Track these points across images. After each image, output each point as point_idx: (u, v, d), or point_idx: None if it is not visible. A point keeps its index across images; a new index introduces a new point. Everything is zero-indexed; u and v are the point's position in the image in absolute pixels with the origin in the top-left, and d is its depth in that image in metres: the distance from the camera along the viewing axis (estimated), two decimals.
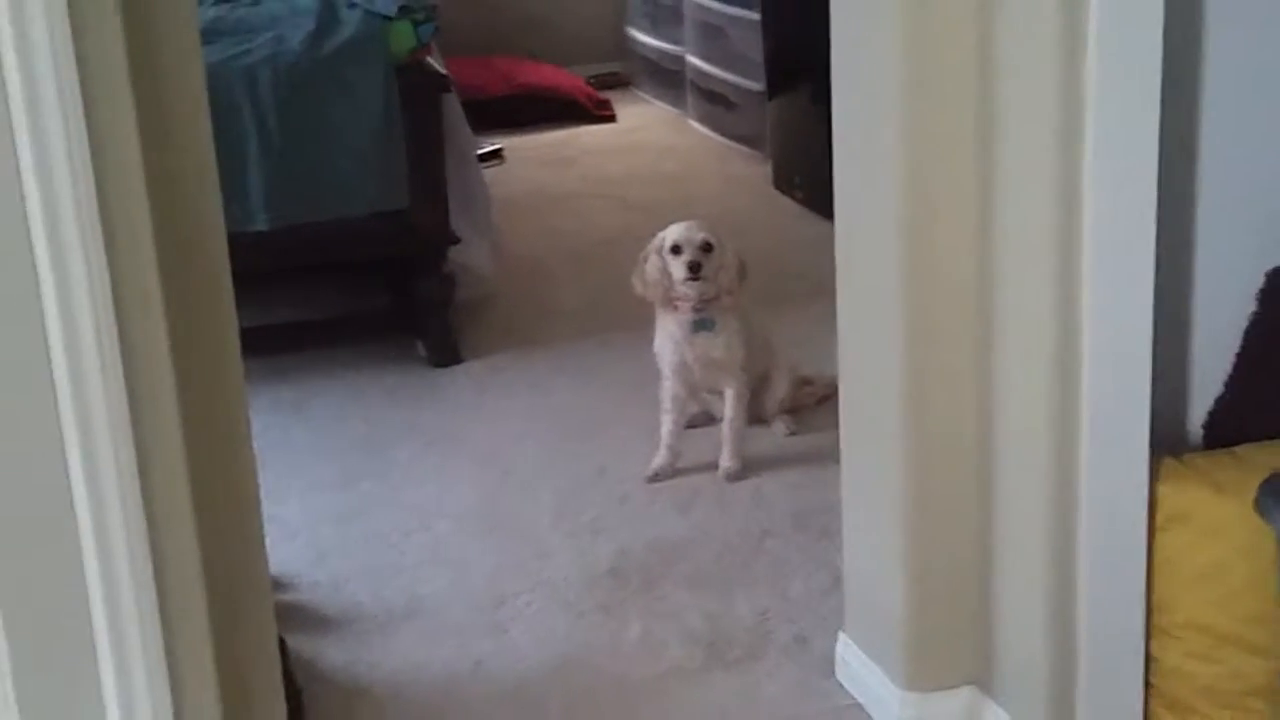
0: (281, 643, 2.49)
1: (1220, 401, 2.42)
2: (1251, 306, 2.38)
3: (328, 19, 4.42)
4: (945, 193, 2.40)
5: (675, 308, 3.68)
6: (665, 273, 3.63)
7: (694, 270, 3.59)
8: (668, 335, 3.73)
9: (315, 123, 4.19)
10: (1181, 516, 2.33)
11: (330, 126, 4.20)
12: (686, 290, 3.63)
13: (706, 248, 3.62)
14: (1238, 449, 2.38)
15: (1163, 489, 2.33)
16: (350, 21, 4.36)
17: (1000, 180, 2.33)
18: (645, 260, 3.67)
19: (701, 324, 3.68)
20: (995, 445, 2.45)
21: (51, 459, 1.74)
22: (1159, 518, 2.34)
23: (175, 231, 1.87)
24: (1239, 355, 2.40)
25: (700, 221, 3.71)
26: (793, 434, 3.92)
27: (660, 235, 3.67)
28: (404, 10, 4.35)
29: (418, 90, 4.33)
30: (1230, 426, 2.43)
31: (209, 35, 4.25)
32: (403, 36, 4.34)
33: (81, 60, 1.67)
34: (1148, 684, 2.41)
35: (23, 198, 1.67)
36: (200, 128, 1.94)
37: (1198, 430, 2.44)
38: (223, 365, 2.04)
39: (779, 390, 3.94)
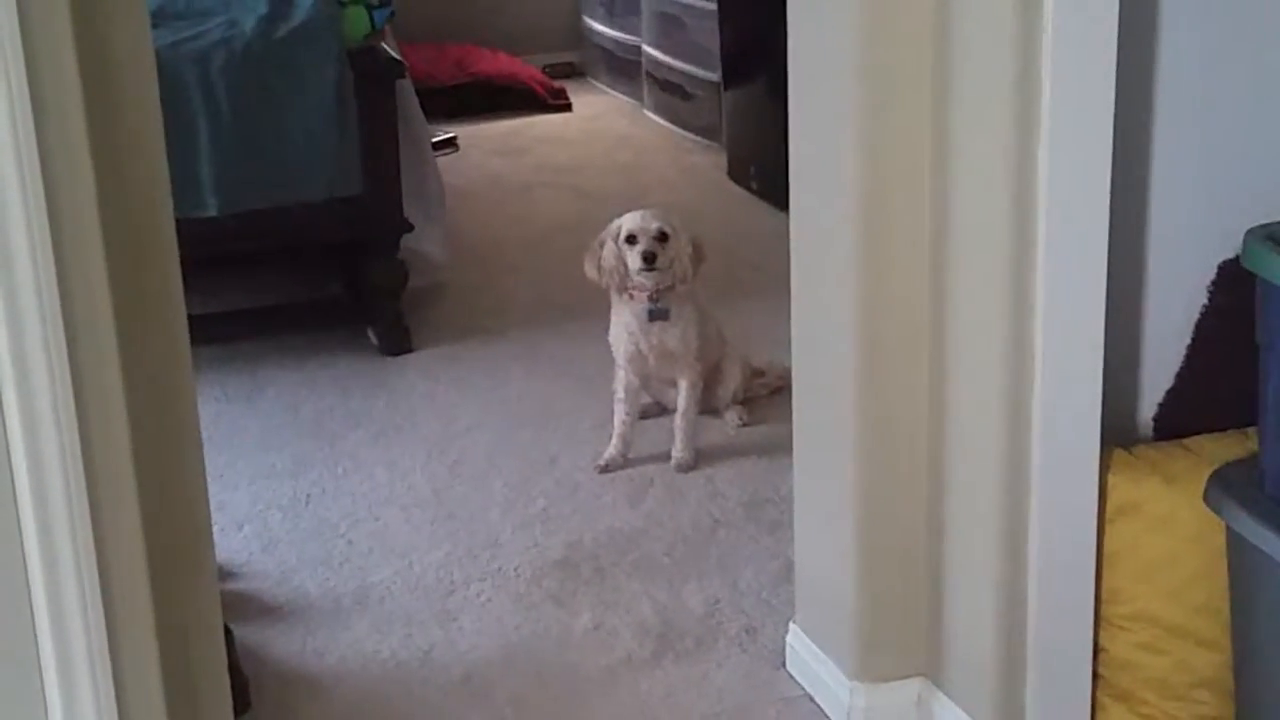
0: (228, 632, 2.47)
1: (1171, 393, 2.43)
2: (1203, 298, 2.39)
3: (281, 3, 4.37)
4: (899, 185, 2.40)
5: (631, 296, 3.67)
6: (621, 261, 3.62)
7: (649, 260, 3.58)
8: (622, 325, 3.72)
9: (267, 108, 4.16)
10: (1132, 508, 2.34)
11: (283, 111, 4.17)
12: (642, 280, 3.62)
13: (662, 237, 3.61)
14: (1188, 440, 2.39)
15: (1113, 480, 2.34)
16: (303, 6, 4.32)
17: (955, 172, 2.33)
18: (600, 246, 3.66)
19: (657, 313, 3.67)
20: (947, 437, 2.45)
21: None
22: (1109, 509, 2.35)
23: (123, 217, 1.85)
24: (1190, 347, 2.41)
25: (656, 210, 3.70)
26: (744, 425, 3.91)
27: (616, 222, 3.66)
28: None
29: (372, 76, 4.30)
30: (1181, 418, 2.44)
31: (159, 19, 4.22)
32: (357, 21, 4.31)
33: (28, 42, 1.65)
34: (1096, 675, 2.42)
35: None
36: (150, 112, 1.91)
37: (1148, 422, 2.45)
38: (171, 352, 2.01)
39: (731, 381, 3.93)
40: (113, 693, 1.83)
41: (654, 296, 3.65)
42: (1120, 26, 2.14)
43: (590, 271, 3.67)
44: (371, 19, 4.35)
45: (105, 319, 1.79)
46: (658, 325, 3.68)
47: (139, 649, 1.87)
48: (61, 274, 1.72)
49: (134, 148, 1.90)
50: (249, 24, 4.26)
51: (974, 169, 2.30)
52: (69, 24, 1.69)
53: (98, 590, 1.80)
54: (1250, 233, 2.19)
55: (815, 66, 2.51)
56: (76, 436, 1.75)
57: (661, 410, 3.92)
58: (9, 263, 1.67)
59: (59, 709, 1.80)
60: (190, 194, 4.02)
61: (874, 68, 2.36)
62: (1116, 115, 2.18)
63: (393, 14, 4.45)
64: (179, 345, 2.03)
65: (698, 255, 3.68)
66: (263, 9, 4.33)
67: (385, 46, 4.48)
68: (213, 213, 4.12)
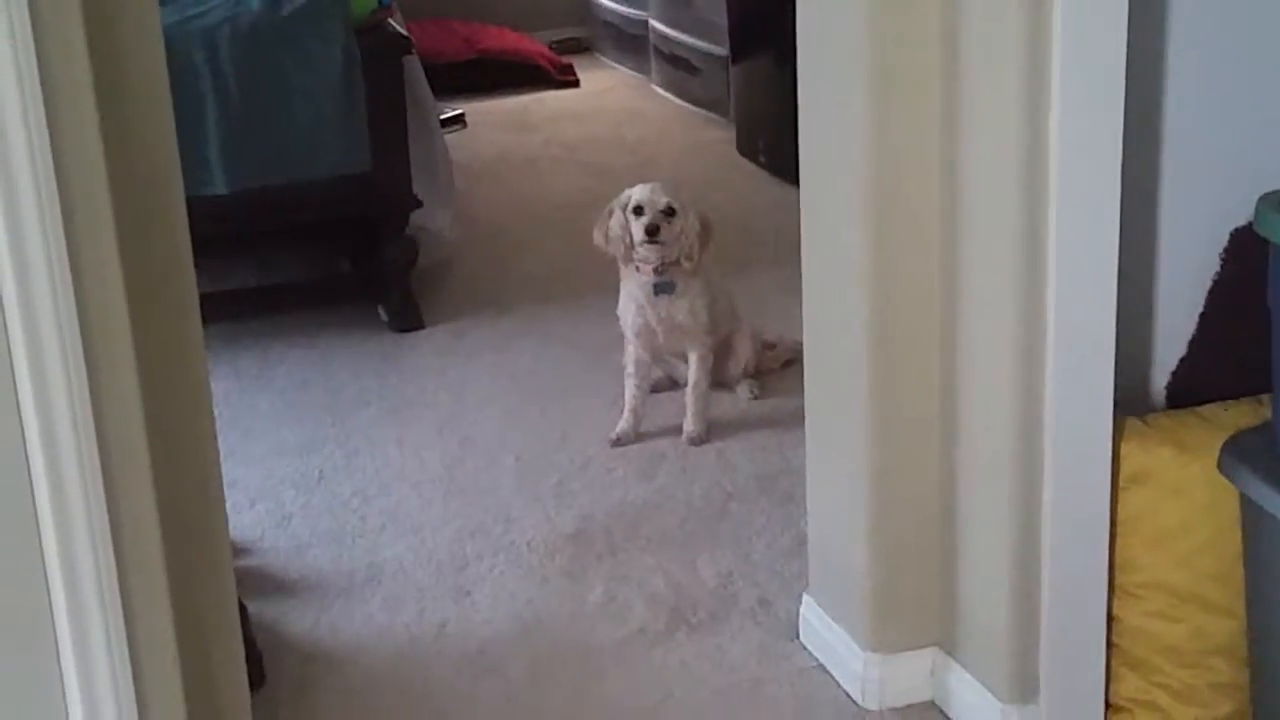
0: (242, 607, 2.47)
1: (1184, 362, 2.43)
2: (1216, 266, 2.38)
3: None
4: (911, 157, 2.39)
5: (636, 268, 3.67)
6: (627, 231, 3.62)
7: (652, 234, 3.58)
8: (630, 298, 3.72)
9: (275, 85, 4.15)
10: (1145, 476, 2.34)
11: (290, 88, 4.16)
12: (646, 253, 3.62)
13: (669, 212, 3.60)
14: (1201, 409, 2.39)
15: (1126, 449, 2.34)
16: None
17: (965, 142, 2.32)
18: (609, 215, 3.66)
19: (662, 287, 3.67)
20: (960, 408, 2.45)
21: (9, 426, 1.71)
22: (1122, 477, 2.35)
23: (133, 196, 1.85)
24: (1203, 315, 2.41)
25: (665, 184, 3.70)
26: (756, 398, 3.91)
27: (627, 192, 3.66)
28: None
29: (379, 52, 4.29)
30: (1194, 387, 2.43)
31: None
32: None
33: (37, 21, 1.65)
34: (1110, 643, 2.42)
35: None
36: (158, 90, 1.91)
37: (1161, 391, 2.44)
38: (182, 331, 2.01)
39: (743, 354, 3.93)
40: (129, 668, 1.84)
41: (659, 270, 3.65)
42: None
43: (598, 238, 3.68)
44: None
45: (117, 298, 1.78)
46: (665, 299, 3.68)
47: (155, 625, 1.88)
48: (73, 254, 1.72)
49: (143, 126, 1.89)
50: (255, 1, 4.25)
51: (985, 139, 2.29)
52: (78, 2, 1.69)
53: (113, 567, 1.80)
54: (1263, 199, 2.18)
55: (824, 39, 2.50)
56: (91, 416, 1.76)
57: (673, 384, 3.92)
58: (21, 247, 1.67)
59: (75, 686, 1.81)
60: (198, 172, 4.01)
61: (882, 41, 2.35)
62: (1128, 83, 2.17)
63: None
64: (191, 323, 2.03)
65: (706, 232, 3.67)
66: None
67: (392, 23, 4.47)
68: (221, 190, 4.11)
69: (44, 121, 1.67)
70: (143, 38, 1.88)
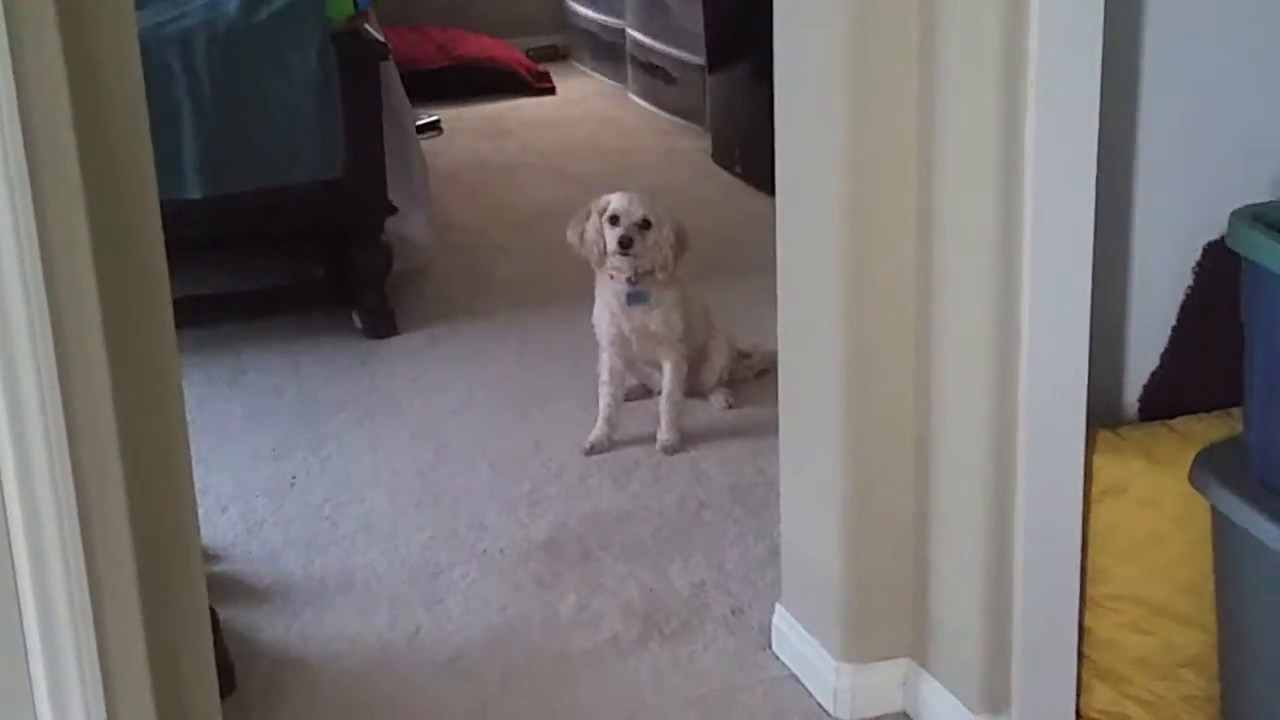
0: (213, 614, 2.46)
1: (1156, 374, 2.44)
2: (1188, 279, 2.39)
3: None
4: (886, 169, 2.40)
5: (610, 275, 3.67)
6: (601, 235, 3.62)
7: (626, 246, 3.58)
8: (605, 306, 3.72)
9: (250, 89, 4.14)
10: (1117, 488, 2.34)
11: (266, 93, 4.15)
12: (619, 263, 3.62)
13: (644, 224, 3.60)
14: (1173, 421, 2.40)
15: (1098, 461, 2.35)
16: None
17: (942, 155, 2.33)
18: (586, 217, 3.65)
19: (636, 297, 3.67)
20: (933, 420, 2.45)
21: None
22: (1095, 490, 2.35)
23: (109, 199, 1.84)
24: (1175, 328, 2.42)
25: (643, 195, 3.69)
26: (730, 407, 3.91)
27: (606, 198, 3.66)
28: None
29: (355, 58, 4.28)
30: (1166, 399, 2.44)
31: (141, 0, 4.19)
32: (341, 3, 4.29)
33: (11, 23, 1.64)
34: (1081, 655, 2.43)
35: None
36: (134, 93, 1.90)
37: (1133, 403, 2.45)
38: (156, 335, 2.00)
39: (717, 363, 3.93)
40: (99, 674, 1.83)
41: (633, 280, 3.65)
42: (1106, 7, 2.14)
43: (572, 237, 3.67)
44: (355, 1, 4.33)
45: (90, 301, 1.78)
46: (639, 308, 3.68)
47: (125, 631, 1.87)
48: (46, 255, 1.71)
49: (118, 130, 1.88)
50: (232, 6, 4.23)
51: (960, 153, 2.29)
52: (53, 5, 1.68)
53: (84, 572, 1.79)
54: (1235, 213, 2.19)
55: (801, 49, 2.51)
56: (62, 420, 1.75)
57: (647, 393, 3.92)
58: None
59: (45, 693, 1.80)
60: (172, 176, 3.99)
61: (860, 52, 2.35)
62: (1103, 95, 2.18)
63: None
64: (164, 328, 2.02)
65: (680, 244, 3.67)
66: None
67: (368, 29, 4.46)
68: (195, 195, 4.10)
69: (18, 123, 1.66)
70: (119, 41, 1.87)
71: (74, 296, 1.75)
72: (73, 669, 1.81)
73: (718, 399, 3.93)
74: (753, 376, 4.01)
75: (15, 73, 1.65)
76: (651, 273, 3.65)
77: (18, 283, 1.69)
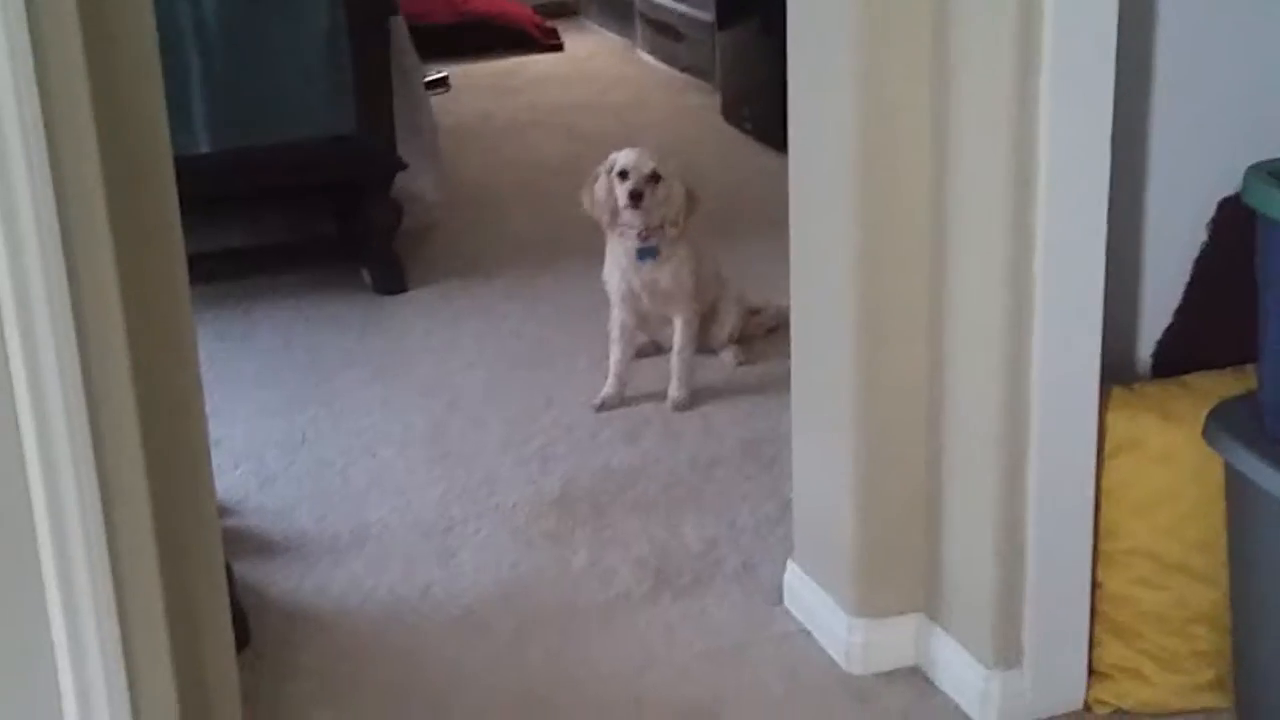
0: (227, 568, 2.47)
1: (1169, 331, 2.44)
2: (1202, 236, 2.39)
3: None
4: (900, 123, 2.39)
5: (620, 233, 3.66)
6: (611, 195, 3.61)
7: (635, 199, 3.57)
8: (615, 263, 3.71)
9: (260, 45, 4.14)
10: (1130, 444, 2.35)
11: (275, 49, 4.15)
12: (630, 218, 3.61)
13: (654, 178, 3.59)
14: (1186, 378, 2.40)
15: (1112, 417, 2.35)
16: None
17: (955, 110, 2.32)
18: (595, 179, 3.65)
19: (646, 252, 3.66)
20: (946, 374, 2.45)
21: None
22: (1108, 445, 2.36)
23: (122, 152, 1.84)
24: (1189, 285, 2.41)
25: (652, 150, 3.69)
26: (742, 364, 3.91)
27: (613, 156, 3.65)
28: None
29: (364, 13, 4.27)
30: (1179, 356, 2.44)
31: None
32: None
33: None
34: (1094, 610, 2.44)
35: None
36: (147, 46, 1.90)
37: (1147, 359, 2.45)
38: (171, 292, 2.01)
39: (728, 320, 3.93)
40: (117, 626, 1.84)
41: (643, 235, 3.64)
42: None
43: (585, 202, 3.67)
44: None
45: (107, 262, 1.78)
46: (649, 264, 3.68)
47: (142, 585, 1.88)
48: (62, 210, 1.71)
49: (132, 82, 1.89)
50: None
51: (975, 107, 2.28)
52: None
53: (102, 525, 1.80)
54: (1251, 169, 2.18)
55: (813, 5, 2.49)
56: (79, 376, 1.75)
57: (658, 349, 3.92)
58: (11, 210, 1.67)
59: (64, 643, 1.81)
60: (182, 131, 3.98)
61: (873, 6, 2.34)
62: (1118, 53, 2.17)
63: None
64: (178, 282, 2.03)
65: (691, 202, 3.67)
66: None
67: None
68: (205, 149, 4.10)
69: (34, 86, 1.66)
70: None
71: (90, 255, 1.76)
72: (91, 622, 1.82)
73: (728, 356, 3.93)
74: (763, 334, 4.01)
75: (30, 27, 1.65)
76: (661, 228, 3.64)
77: (35, 242, 1.69)
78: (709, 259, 3.88)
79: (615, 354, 3.75)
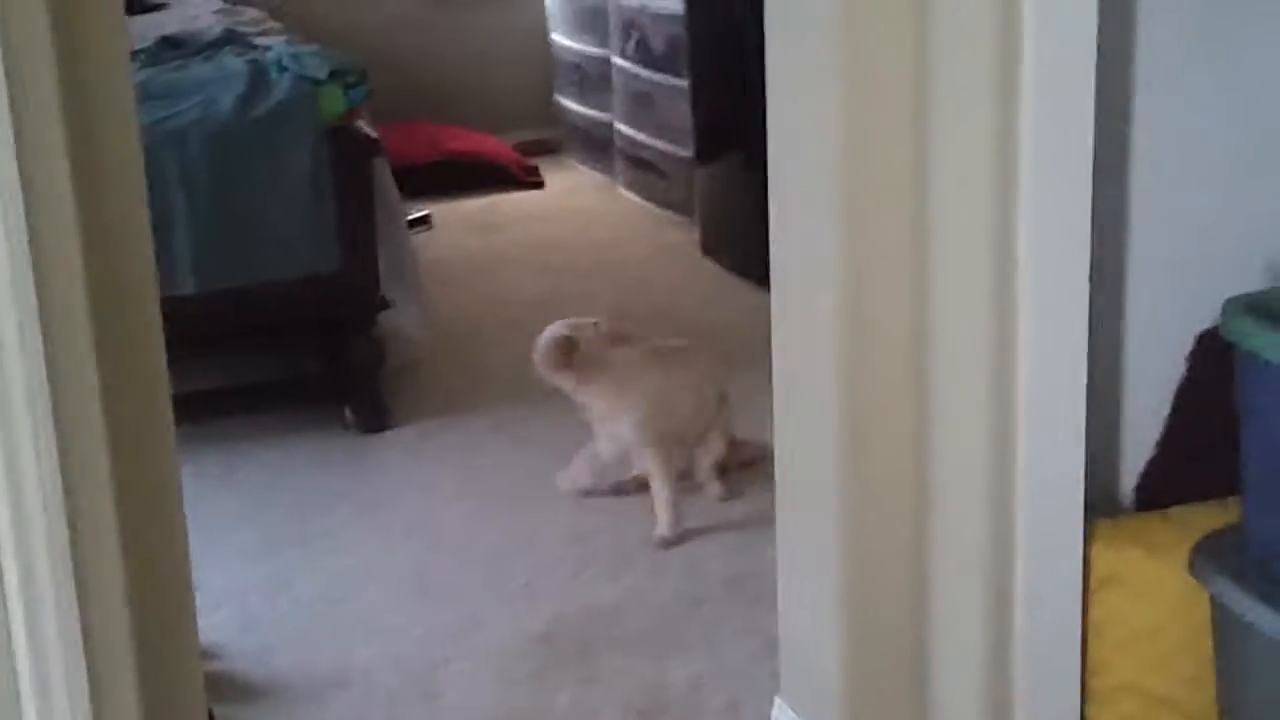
0: (210, 714, 2.44)
1: (1152, 463, 2.44)
2: (1182, 368, 2.40)
3: (258, 82, 4.39)
4: (881, 259, 2.41)
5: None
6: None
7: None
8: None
9: (245, 186, 4.17)
10: (1115, 578, 2.34)
11: (260, 190, 4.18)
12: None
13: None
14: (1170, 510, 2.40)
15: (1096, 550, 2.34)
16: (281, 85, 4.34)
17: (936, 244, 2.34)
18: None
19: None
20: (931, 509, 2.45)
21: None
22: (1093, 580, 2.35)
23: (109, 298, 1.85)
24: (1170, 417, 2.42)
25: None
26: (724, 500, 3.91)
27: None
28: (335, 74, 4.35)
29: (348, 154, 4.32)
30: (1162, 488, 2.44)
31: (138, 98, 4.22)
32: (333, 100, 4.33)
33: (17, 118, 1.65)
34: None
35: None
36: (134, 190, 1.92)
37: (1130, 492, 2.46)
38: (155, 434, 2.00)
39: (714, 449, 3.93)
40: None
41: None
42: (1097, 90, 2.16)
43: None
44: (348, 97, 4.37)
45: (92, 401, 1.78)
46: None
47: None
48: (50, 354, 1.71)
49: (120, 228, 1.90)
50: (226, 103, 4.28)
51: (955, 244, 2.31)
52: (57, 102, 1.70)
53: (84, 674, 1.78)
54: (1229, 302, 2.20)
55: (795, 144, 2.53)
56: (64, 517, 1.74)
57: (640, 486, 3.91)
58: None
59: None
60: (167, 272, 4.01)
61: (854, 142, 2.38)
62: (1095, 185, 2.20)
63: (369, 92, 4.48)
64: (162, 424, 2.02)
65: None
66: (240, 88, 4.35)
67: (361, 125, 4.50)
68: (190, 291, 4.12)
69: (23, 226, 1.67)
70: (121, 140, 1.89)
71: (76, 394, 1.76)
72: None
73: (713, 489, 3.92)
74: (737, 466, 4.01)
75: (22, 178, 1.66)
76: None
77: (21, 380, 1.69)
78: (712, 385, 3.96)
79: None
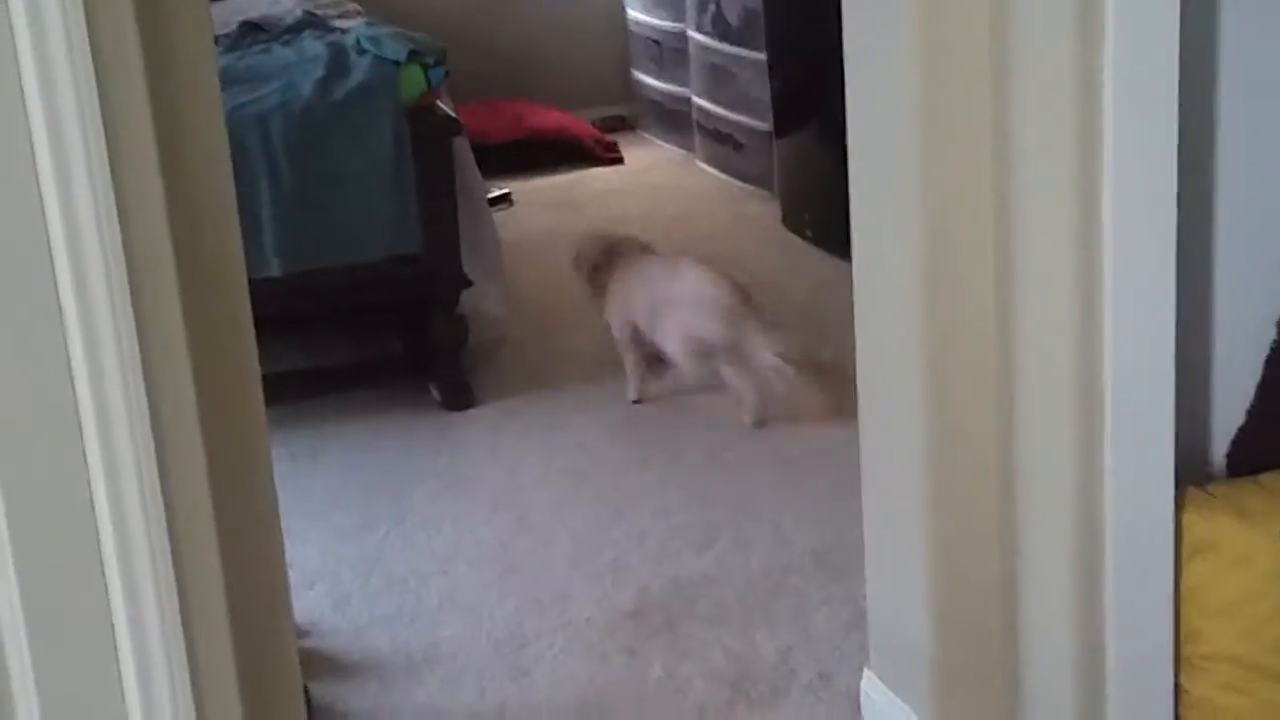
0: (305, 690, 2.48)
1: (1243, 430, 2.42)
2: (1272, 334, 2.38)
3: (338, 65, 4.43)
4: (964, 233, 2.39)
5: None
6: None
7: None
8: None
9: (327, 168, 4.20)
10: (1207, 546, 2.32)
11: (342, 172, 4.21)
12: None
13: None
14: (1262, 477, 2.38)
15: (1188, 518, 2.32)
16: (360, 67, 4.38)
17: (1019, 218, 2.32)
18: None
19: None
20: (1019, 480, 2.44)
21: (80, 510, 1.73)
22: (1185, 548, 2.33)
23: (200, 281, 1.87)
24: (1261, 383, 2.40)
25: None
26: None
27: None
28: (414, 55, 4.37)
29: (429, 134, 4.34)
30: (1253, 455, 2.42)
31: (221, 83, 4.26)
32: (413, 81, 4.36)
33: (107, 108, 1.68)
34: (1177, 716, 2.40)
35: (49, 248, 1.67)
36: (221, 175, 1.95)
37: (1221, 460, 2.43)
38: (248, 416, 2.04)
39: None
40: None
41: None
42: (1180, 75, 2.14)
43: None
44: (427, 78, 4.40)
45: (186, 385, 1.81)
46: None
47: (222, 708, 1.89)
48: (143, 341, 1.74)
49: (209, 213, 1.93)
50: (307, 87, 4.31)
51: (1038, 218, 2.29)
52: (145, 89, 1.72)
53: (183, 651, 1.81)
54: None
55: (874, 114, 2.52)
56: (160, 501, 1.77)
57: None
58: (92, 333, 1.70)
59: None
60: (253, 255, 4.05)
61: (933, 115, 2.37)
62: (1180, 141, 2.17)
63: (447, 73, 4.50)
64: (255, 407, 2.05)
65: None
66: (320, 71, 4.38)
67: (441, 105, 4.53)
68: (276, 273, 4.16)
69: (114, 214, 1.70)
70: (208, 128, 1.92)
71: (169, 379, 1.78)
72: None
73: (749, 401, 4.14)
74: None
75: (112, 165, 1.69)
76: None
77: (116, 367, 1.72)
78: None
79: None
